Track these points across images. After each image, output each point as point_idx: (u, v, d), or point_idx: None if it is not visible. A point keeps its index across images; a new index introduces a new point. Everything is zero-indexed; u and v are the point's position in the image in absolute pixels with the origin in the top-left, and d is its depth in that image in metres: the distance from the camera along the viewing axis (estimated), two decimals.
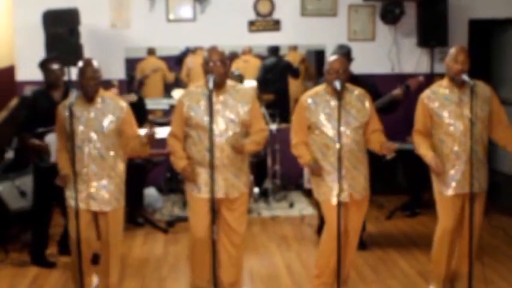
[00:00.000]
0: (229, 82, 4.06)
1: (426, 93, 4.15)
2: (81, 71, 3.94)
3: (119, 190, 4.10)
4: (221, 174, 3.93)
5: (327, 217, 4.11)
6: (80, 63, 3.98)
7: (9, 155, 5.92)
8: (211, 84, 3.75)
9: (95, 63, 3.99)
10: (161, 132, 6.12)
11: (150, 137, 3.92)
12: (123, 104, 4.12)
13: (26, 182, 5.53)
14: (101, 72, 4.01)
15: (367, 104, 4.08)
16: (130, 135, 4.09)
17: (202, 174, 3.98)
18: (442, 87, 4.11)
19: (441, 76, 4.35)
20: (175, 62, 8.15)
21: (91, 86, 3.93)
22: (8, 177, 5.55)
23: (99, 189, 4.00)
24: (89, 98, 3.97)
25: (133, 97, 5.70)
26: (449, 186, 4.10)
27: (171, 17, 7.05)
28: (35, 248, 5.05)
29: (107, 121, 4.00)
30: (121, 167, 4.12)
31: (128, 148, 4.11)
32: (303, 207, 6.57)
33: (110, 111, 4.02)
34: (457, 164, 4.06)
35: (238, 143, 3.94)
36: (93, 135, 3.96)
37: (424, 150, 4.12)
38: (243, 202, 4.15)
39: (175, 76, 8.33)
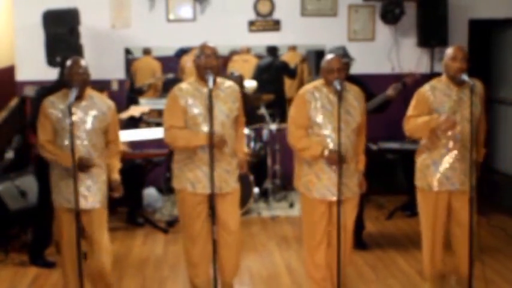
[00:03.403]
0: (219, 79, 4.07)
1: (425, 88, 4.13)
2: (68, 68, 3.95)
3: (103, 191, 4.06)
4: (214, 169, 3.90)
5: (310, 214, 4.08)
6: (68, 62, 3.99)
7: (9, 155, 5.92)
8: (211, 84, 3.75)
9: (82, 62, 3.99)
10: (157, 133, 6.14)
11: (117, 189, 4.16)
12: (110, 103, 4.13)
13: (26, 182, 5.53)
14: (87, 70, 3.99)
15: (362, 103, 4.08)
16: (111, 139, 4.14)
17: (195, 171, 3.98)
18: (440, 83, 4.10)
19: (439, 76, 4.34)
20: (176, 61, 8.17)
21: (77, 82, 3.90)
22: (8, 177, 5.55)
23: (86, 187, 3.96)
24: (76, 95, 3.91)
25: (145, 108, 5.73)
26: (439, 181, 4.09)
27: (171, 17, 7.05)
28: (34, 248, 5.05)
29: (93, 119, 3.99)
30: (105, 165, 4.11)
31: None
32: None
33: (96, 110, 4.02)
34: (449, 160, 4.06)
35: (239, 163, 4.15)
36: (80, 133, 3.94)
37: (424, 119, 4.02)
38: (235, 200, 4.13)
39: (166, 77, 8.33)
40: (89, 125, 3.97)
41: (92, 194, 4.00)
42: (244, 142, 4.28)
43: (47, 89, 4.85)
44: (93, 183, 4.00)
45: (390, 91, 5.04)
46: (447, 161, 4.06)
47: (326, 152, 3.89)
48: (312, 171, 4.03)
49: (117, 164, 4.20)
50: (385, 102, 5.11)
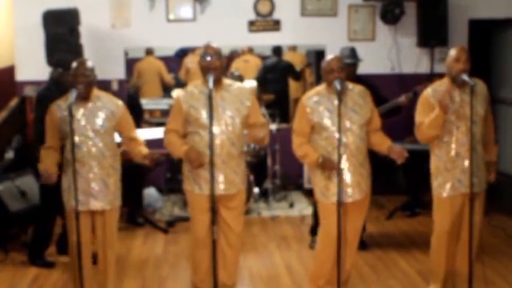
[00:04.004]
0: (227, 80, 4.08)
1: (428, 92, 4.13)
2: (73, 69, 3.95)
3: (118, 189, 4.12)
4: (221, 170, 3.93)
5: (328, 220, 4.04)
6: (74, 63, 3.98)
7: (9, 155, 5.92)
8: (211, 84, 3.74)
9: (89, 63, 3.99)
10: (157, 133, 6.15)
11: (151, 159, 4.11)
12: (120, 102, 4.13)
13: (26, 182, 5.53)
14: (93, 71, 3.99)
15: (368, 100, 4.09)
16: (127, 136, 4.18)
17: (202, 172, 3.98)
18: (443, 86, 4.10)
19: (440, 76, 4.34)
20: (176, 61, 8.17)
21: (81, 83, 3.89)
22: (8, 177, 5.55)
23: (99, 188, 3.99)
24: (82, 96, 3.94)
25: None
26: (453, 186, 4.08)
27: (171, 17, 7.04)
28: (33, 248, 5.05)
29: (104, 119, 4.00)
30: (118, 165, 4.14)
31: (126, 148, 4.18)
32: (303, 207, 6.57)
33: (105, 110, 4.02)
34: (459, 163, 4.05)
35: (256, 135, 3.99)
36: (91, 134, 3.95)
37: (429, 116, 4.01)
38: (240, 201, 4.14)
39: (173, 78, 8.36)
40: (98, 125, 3.97)
41: (102, 194, 4.00)
42: (265, 130, 4.07)
43: (46, 90, 4.85)
44: (103, 184, 4.00)
45: (403, 98, 5.08)
46: (457, 164, 4.04)
47: (320, 159, 3.93)
48: (325, 176, 4.02)
49: (145, 150, 4.18)
50: (396, 107, 5.15)
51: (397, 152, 3.99)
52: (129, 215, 6.19)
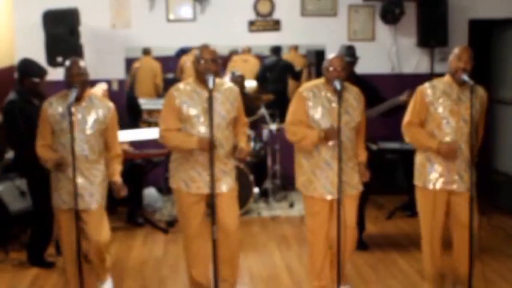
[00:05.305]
0: (217, 80, 4.06)
1: (425, 86, 4.15)
2: (68, 69, 3.95)
3: (100, 191, 4.06)
4: (207, 170, 3.90)
5: (313, 214, 4.10)
6: (67, 62, 3.99)
7: (9, 155, 5.91)
8: (211, 84, 3.75)
9: (81, 62, 4.00)
10: (157, 133, 6.15)
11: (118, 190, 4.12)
12: (110, 105, 4.09)
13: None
14: (86, 71, 4.00)
15: (361, 104, 4.10)
16: (110, 144, 4.12)
17: (189, 171, 3.98)
18: (442, 82, 4.12)
19: (440, 76, 4.34)
20: (176, 61, 8.17)
21: (78, 83, 3.91)
22: (8, 177, 5.55)
23: (79, 188, 3.91)
24: (77, 96, 3.92)
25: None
26: (435, 180, 4.09)
27: (171, 17, 7.05)
28: (32, 249, 5.04)
29: (92, 121, 3.99)
30: (104, 168, 4.10)
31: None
32: (303, 207, 6.54)
33: (95, 111, 4.01)
34: (445, 159, 4.06)
35: (238, 150, 3.98)
36: (79, 134, 3.92)
37: (426, 140, 4.06)
38: (230, 200, 4.10)
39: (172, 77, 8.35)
40: (87, 126, 3.97)
41: (87, 194, 3.99)
42: (246, 138, 4.20)
43: (10, 103, 4.76)
44: (88, 184, 4.00)
45: (405, 96, 4.99)
46: (442, 161, 4.06)
47: (322, 134, 3.90)
48: (309, 170, 4.07)
49: (117, 167, 4.19)
50: (398, 106, 5.11)
51: (364, 174, 4.12)
52: (129, 215, 6.20)
